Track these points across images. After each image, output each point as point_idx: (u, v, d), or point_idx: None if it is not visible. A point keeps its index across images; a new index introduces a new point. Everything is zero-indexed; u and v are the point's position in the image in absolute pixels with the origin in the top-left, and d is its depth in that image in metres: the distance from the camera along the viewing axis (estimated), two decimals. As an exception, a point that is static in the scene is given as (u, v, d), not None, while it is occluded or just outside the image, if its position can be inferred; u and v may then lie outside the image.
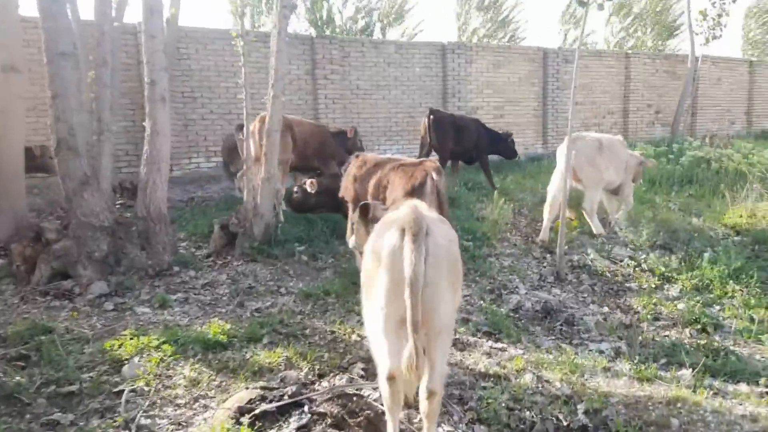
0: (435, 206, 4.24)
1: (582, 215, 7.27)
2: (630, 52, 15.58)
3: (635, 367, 3.86)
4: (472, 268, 6.04)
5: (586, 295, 5.70)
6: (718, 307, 5.23)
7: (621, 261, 6.34)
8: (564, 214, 6.02)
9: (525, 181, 9.93)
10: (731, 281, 5.63)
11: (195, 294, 5.18)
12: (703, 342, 4.27)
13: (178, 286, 5.32)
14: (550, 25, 34.96)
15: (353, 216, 4.28)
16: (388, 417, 2.65)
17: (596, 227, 7.08)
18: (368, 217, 3.80)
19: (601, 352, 4.30)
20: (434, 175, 4.74)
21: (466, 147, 9.34)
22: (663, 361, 4.06)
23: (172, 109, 9.82)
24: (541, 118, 13.99)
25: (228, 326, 4.35)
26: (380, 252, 2.52)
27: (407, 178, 4.88)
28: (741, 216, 7.47)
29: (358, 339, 4.33)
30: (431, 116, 9.17)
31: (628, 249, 6.63)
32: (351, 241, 4.81)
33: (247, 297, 5.11)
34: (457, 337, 4.49)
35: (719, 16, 15.44)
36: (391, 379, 2.44)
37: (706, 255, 5.94)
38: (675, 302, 5.32)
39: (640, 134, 15.50)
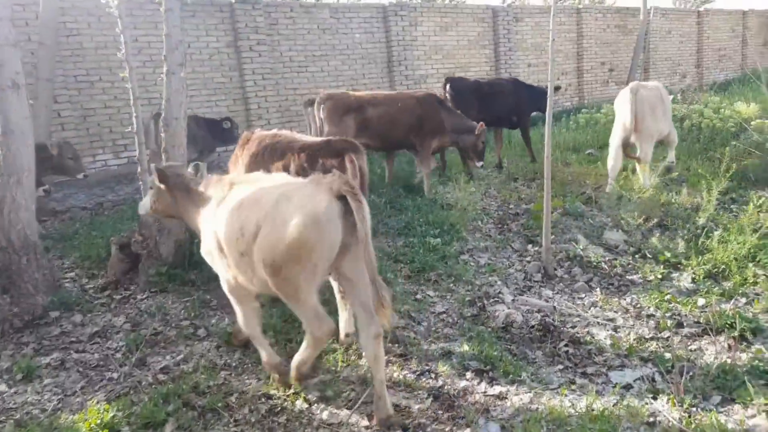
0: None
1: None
2: (581, 7, 14.67)
3: (686, 415, 2.84)
4: (444, 273, 4.91)
5: (583, 296, 4.68)
6: (743, 300, 4.30)
7: (616, 247, 5.36)
8: (548, 196, 4.93)
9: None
10: (750, 264, 4.74)
11: (78, 352, 3.79)
12: (756, 361, 3.30)
13: (55, 341, 3.91)
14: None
15: (152, 179, 3.63)
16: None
17: (645, 179, 6.44)
18: (169, 184, 3.46)
19: (629, 387, 3.27)
20: (354, 157, 4.20)
21: (498, 113, 8.42)
22: (716, 397, 3.06)
23: (65, 97, 8.09)
24: (494, 82, 12.89)
25: (116, 408, 3.03)
26: (304, 218, 2.67)
27: (326, 160, 4.24)
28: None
29: (306, 408, 3.11)
30: (448, 85, 8.30)
31: (621, 231, 5.66)
32: (144, 205, 3.77)
33: (150, 350, 3.76)
34: (442, 383, 3.35)
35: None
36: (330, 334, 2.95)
37: (716, 233, 5.02)
38: (693, 298, 4.36)
39: (594, 94, 14.74)
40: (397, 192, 6.81)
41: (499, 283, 4.88)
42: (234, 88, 9.54)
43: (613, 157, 6.67)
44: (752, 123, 8.72)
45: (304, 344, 3.11)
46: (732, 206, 6.24)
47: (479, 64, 12.70)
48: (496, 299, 4.58)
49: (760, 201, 6.02)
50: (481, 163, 7.26)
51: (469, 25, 12.39)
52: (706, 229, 5.34)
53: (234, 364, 3.61)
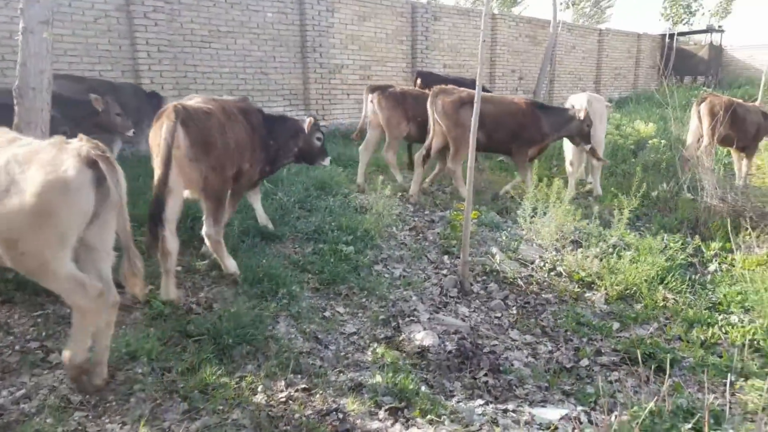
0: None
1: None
2: (497, 13, 14.84)
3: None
4: (356, 285, 4.44)
5: (500, 315, 4.44)
6: (654, 326, 4.28)
7: (532, 263, 5.20)
8: (470, 207, 4.63)
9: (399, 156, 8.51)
10: (660, 286, 4.77)
11: None
12: (681, 400, 3.18)
13: None
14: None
15: None
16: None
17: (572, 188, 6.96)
18: None
19: (553, 429, 3.01)
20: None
21: None
22: (645, 442, 2.87)
23: None
24: (410, 80, 12.63)
25: None
26: (46, 185, 2.47)
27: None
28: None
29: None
30: (419, 79, 8.16)
31: (537, 245, 5.53)
32: None
33: (-20, 386, 2.92)
34: (350, 425, 2.88)
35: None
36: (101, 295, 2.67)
37: (627, 254, 5.02)
38: (608, 322, 4.26)
39: (505, 101, 15.01)
40: (308, 191, 6.22)
41: (414, 298, 4.50)
42: (123, 59, 8.34)
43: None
44: (649, 142, 9.16)
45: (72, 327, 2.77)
46: (638, 223, 6.38)
47: (396, 60, 12.35)
48: (412, 317, 4.20)
49: (665, 220, 6.21)
50: (589, 145, 6.90)
51: (388, 18, 11.98)
52: (617, 248, 5.34)
53: (93, 402, 2.88)
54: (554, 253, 5.35)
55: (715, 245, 5.63)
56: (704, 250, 5.64)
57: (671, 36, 19.94)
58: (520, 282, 4.88)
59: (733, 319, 4.27)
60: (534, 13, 23.85)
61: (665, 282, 4.82)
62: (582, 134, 6.76)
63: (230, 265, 4.15)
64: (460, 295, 4.70)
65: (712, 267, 5.33)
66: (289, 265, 4.57)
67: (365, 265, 4.77)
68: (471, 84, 9.23)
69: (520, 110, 6.71)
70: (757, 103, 9.54)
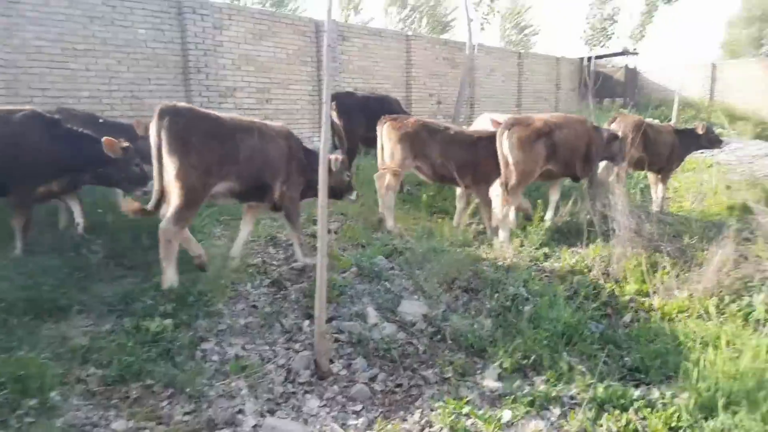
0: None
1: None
2: (411, 34, 14.17)
3: None
4: (161, 381, 3.20)
5: (359, 409, 3.31)
6: (557, 412, 3.26)
7: (413, 324, 4.13)
8: (323, 264, 3.52)
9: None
10: (564, 349, 3.79)
11: None
12: None
13: None
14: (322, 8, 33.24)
15: None
16: None
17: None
18: None
19: None
20: None
21: None
22: None
23: None
24: (317, 104, 11.61)
25: None
26: None
27: None
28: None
29: None
30: (334, 102, 7.41)
31: (422, 299, 4.47)
32: None
33: None
34: None
35: (492, 1, 15.02)
36: None
37: (527, 309, 4.04)
38: (497, 411, 3.22)
39: (424, 125, 14.26)
40: (137, 239, 4.92)
41: (245, 392, 3.31)
42: (-58, 81, 6.85)
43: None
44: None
45: None
46: (545, 262, 5.48)
47: (300, 82, 11.31)
48: (231, 425, 3.00)
49: (574, 259, 5.34)
50: (624, 163, 6.76)
51: (289, 37, 10.97)
52: (516, 299, 4.37)
53: None
54: (442, 309, 4.31)
55: (630, 288, 4.78)
56: (618, 295, 4.77)
57: (589, 59, 20.08)
58: (394, 353, 3.78)
59: (654, 394, 3.33)
60: (454, 36, 23.76)
61: (573, 343, 3.86)
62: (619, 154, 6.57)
63: (169, 276, 4.01)
64: (314, 378, 3.55)
65: (627, 317, 4.45)
66: (64, 354, 3.28)
67: (184, 347, 3.54)
68: (396, 105, 8.41)
69: (586, 128, 6.46)
70: (671, 123, 9.11)
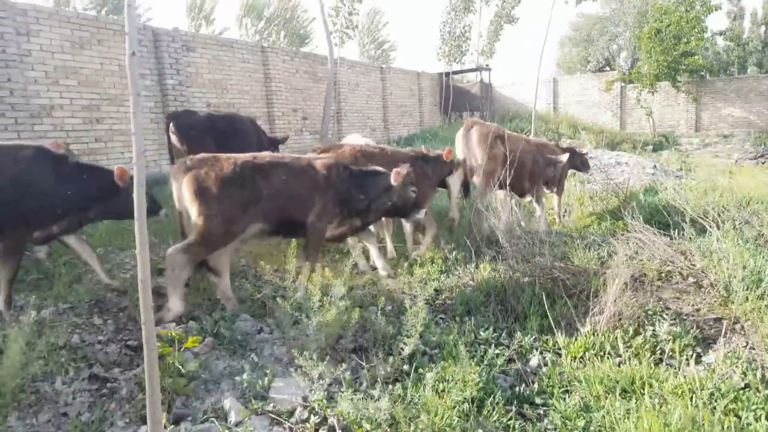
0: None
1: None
2: (266, 45, 13.15)
3: None
4: None
5: None
6: None
7: (291, 414, 3.18)
8: (151, 328, 2.46)
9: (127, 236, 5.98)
10: (477, 423, 3.13)
11: None
12: None
13: None
14: (177, 20, 31.09)
15: None
16: None
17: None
18: None
19: None
20: None
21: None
22: None
23: None
24: (161, 122, 10.09)
25: None
26: None
27: None
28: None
29: None
30: (172, 123, 6.43)
31: (301, 373, 3.54)
32: None
33: None
34: None
35: (350, 14, 14.59)
36: None
37: (429, 376, 3.32)
38: None
39: (289, 143, 13.29)
40: None
41: None
42: None
43: None
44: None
45: None
46: (437, 300, 4.86)
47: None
48: None
49: (468, 295, 4.77)
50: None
51: (120, 47, 9.35)
52: (415, 359, 3.65)
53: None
54: (327, 385, 3.42)
55: (533, 325, 4.33)
56: (518, 333, 4.28)
57: (447, 74, 20.65)
58: (266, 463, 2.82)
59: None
60: (315, 49, 23.17)
61: (484, 412, 3.21)
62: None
63: (173, 304, 3.96)
64: None
65: (534, 360, 3.95)
66: None
67: None
68: (249, 123, 7.31)
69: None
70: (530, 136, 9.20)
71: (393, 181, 4.76)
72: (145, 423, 3.06)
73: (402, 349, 3.70)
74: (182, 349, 3.43)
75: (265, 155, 4.52)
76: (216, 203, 4.01)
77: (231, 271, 5.32)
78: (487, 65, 22.17)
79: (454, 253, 5.49)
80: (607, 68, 28.90)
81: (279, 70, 13.13)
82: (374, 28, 30.16)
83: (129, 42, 2.52)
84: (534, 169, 7.02)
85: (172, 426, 2.98)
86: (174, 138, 6.07)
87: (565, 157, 7.17)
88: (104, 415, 3.09)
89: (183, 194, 4.08)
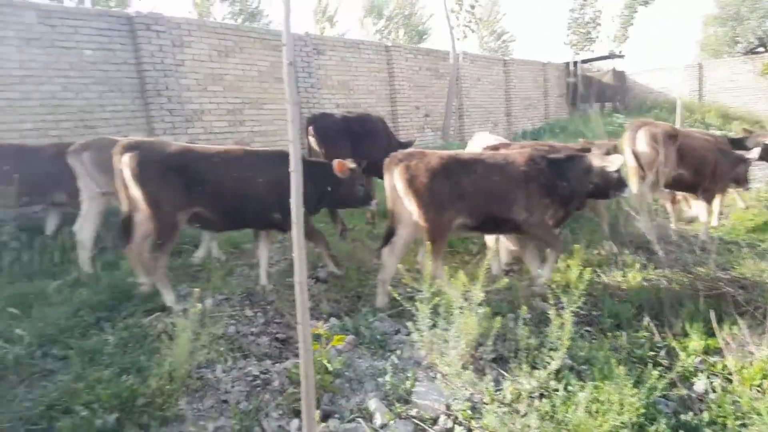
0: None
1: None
2: (390, 45, 13.32)
3: None
4: None
5: None
6: None
7: (434, 422, 3.14)
8: (307, 339, 2.54)
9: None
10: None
11: None
12: None
13: None
14: (304, 23, 32.62)
15: None
16: None
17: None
18: None
19: None
20: None
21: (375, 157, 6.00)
22: None
23: None
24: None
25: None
26: None
27: None
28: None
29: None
30: (311, 126, 6.54)
31: (440, 379, 3.48)
32: None
33: None
34: None
35: (472, 7, 14.29)
36: None
37: (582, 396, 3.09)
38: None
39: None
40: (78, 314, 3.88)
41: None
42: None
43: None
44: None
45: None
46: (582, 312, 4.55)
47: (275, 100, 10.34)
48: None
49: (616, 307, 4.41)
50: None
51: (259, 53, 10.01)
52: (563, 375, 3.42)
53: None
54: (468, 393, 3.33)
55: (694, 344, 3.87)
56: (680, 353, 3.85)
57: (575, 64, 19.49)
58: (412, 470, 2.80)
59: None
60: (436, 45, 23.08)
61: (647, 439, 2.92)
62: None
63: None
64: None
65: (700, 385, 3.53)
66: None
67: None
68: (380, 123, 7.46)
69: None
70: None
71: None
72: (296, 416, 3.20)
73: (547, 363, 3.50)
74: (328, 346, 3.54)
75: (463, 152, 4.70)
76: (427, 194, 4.20)
77: (365, 269, 5.45)
78: (620, 52, 20.57)
79: (597, 259, 5.11)
80: (761, 49, 25.39)
81: (402, 68, 13.25)
82: (492, 20, 29.40)
83: (287, 52, 2.60)
84: (718, 167, 6.30)
85: (321, 422, 3.08)
86: (312, 140, 6.34)
87: (756, 152, 6.37)
88: (260, 405, 3.28)
89: (395, 185, 4.30)
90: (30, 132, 7.14)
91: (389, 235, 4.49)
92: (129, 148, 4.05)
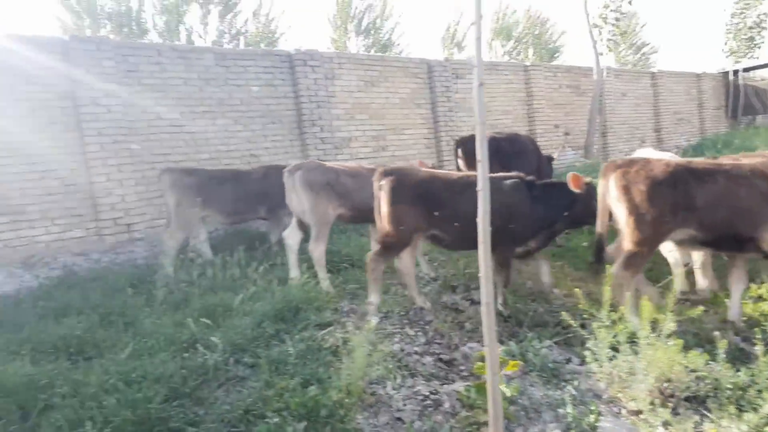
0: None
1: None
2: (529, 64, 13.05)
3: None
4: None
5: None
6: None
7: (627, 462, 2.88)
8: (494, 350, 2.46)
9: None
10: None
11: None
12: None
13: None
14: (432, 49, 33.31)
15: None
16: None
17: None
18: None
19: None
20: None
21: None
22: None
23: None
24: (434, 147, 10.81)
25: None
26: None
27: None
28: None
29: None
30: (460, 148, 6.80)
31: (624, 414, 3.20)
32: None
33: None
34: None
35: (617, 20, 13.52)
36: None
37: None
38: None
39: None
40: (261, 326, 4.21)
41: None
42: (72, 154, 6.89)
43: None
44: None
45: None
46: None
47: (415, 125, 10.60)
48: None
49: None
50: None
51: (401, 81, 10.36)
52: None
53: None
54: (663, 433, 3.01)
55: None
56: None
57: (736, 72, 17.51)
58: None
59: None
60: (577, 62, 22.13)
61: None
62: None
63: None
64: None
65: None
66: None
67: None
68: (529, 142, 7.44)
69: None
70: None
71: None
72: (470, 440, 3.13)
73: (758, 405, 3.05)
74: (501, 372, 3.44)
75: (701, 161, 4.41)
76: (645, 202, 4.03)
77: (521, 292, 5.26)
78: (792, 56, 18.11)
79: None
80: None
81: (541, 87, 12.89)
82: (631, 32, 27.60)
83: (477, 74, 2.62)
84: None
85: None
86: (461, 162, 6.36)
87: None
88: (433, 426, 3.26)
89: (610, 191, 4.19)
90: (206, 161, 8.03)
91: (599, 248, 4.33)
92: (386, 174, 4.56)
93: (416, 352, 4.16)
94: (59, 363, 3.65)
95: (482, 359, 3.67)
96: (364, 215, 5.38)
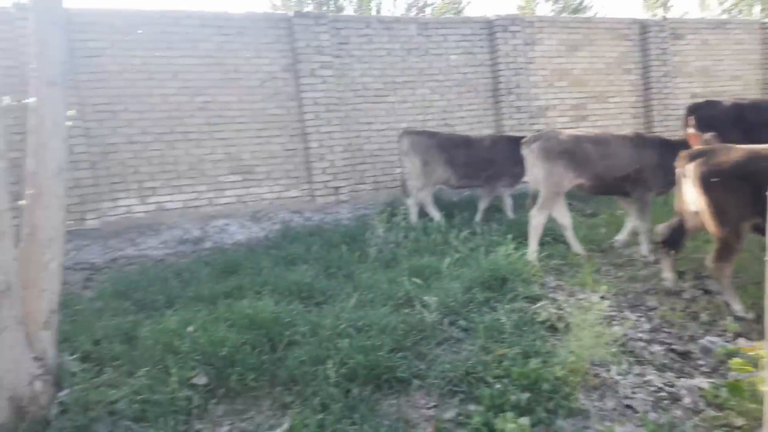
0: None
1: None
2: (767, 21, 10.94)
3: None
4: None
5: None
6: None
7: None
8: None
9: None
10: None
11: None
12: None
13: None
14: (630, 8, 30.02)
15: None
16: None
17: None
18: None
19: None
20: None
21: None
22: None
23: (81, 130, 6.68)
24: (642, 117, 9.73)
25: None
26: None
27: None
28: None
29: None
30: (693, 116, 5.98)
31: None
32: None
33: None
34: None
35: None
36: None
37: None
38: None
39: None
40: (470, 291, 4.20)
41: None
42: (291, 122, 7.63)
43: None
44: None
45: None
46: None
47: (620, 93, 9.63)
48: None
49: None
50: None
51: (607, 44, 9.43)
52: None
53: None
54: None
55: None
56: None
57: None
58: None
59: None
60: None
61: None
62: None
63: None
64: None
65: None
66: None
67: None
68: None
69: None
70: None
71: None
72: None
73: None
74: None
75: None
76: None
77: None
78: None
79: None
80: None
81: (782, 47, 10.74)
82: None
83: None
84: None
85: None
86: (692, 131, 5.58)
87: None
88: (672, 420, 2.93)
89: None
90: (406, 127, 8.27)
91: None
92: (693, 156, 4.04)
93: (642, 339, 3.79)
94: (295, 305, 4.06)
95: (732, 355, 3.22)
96: (607, 186, 5.09)
